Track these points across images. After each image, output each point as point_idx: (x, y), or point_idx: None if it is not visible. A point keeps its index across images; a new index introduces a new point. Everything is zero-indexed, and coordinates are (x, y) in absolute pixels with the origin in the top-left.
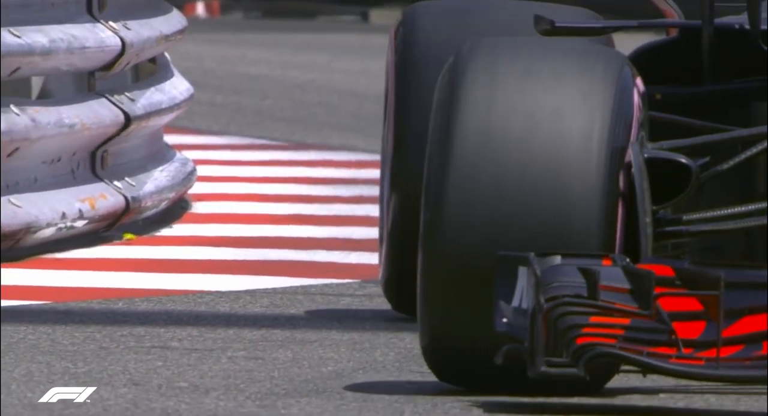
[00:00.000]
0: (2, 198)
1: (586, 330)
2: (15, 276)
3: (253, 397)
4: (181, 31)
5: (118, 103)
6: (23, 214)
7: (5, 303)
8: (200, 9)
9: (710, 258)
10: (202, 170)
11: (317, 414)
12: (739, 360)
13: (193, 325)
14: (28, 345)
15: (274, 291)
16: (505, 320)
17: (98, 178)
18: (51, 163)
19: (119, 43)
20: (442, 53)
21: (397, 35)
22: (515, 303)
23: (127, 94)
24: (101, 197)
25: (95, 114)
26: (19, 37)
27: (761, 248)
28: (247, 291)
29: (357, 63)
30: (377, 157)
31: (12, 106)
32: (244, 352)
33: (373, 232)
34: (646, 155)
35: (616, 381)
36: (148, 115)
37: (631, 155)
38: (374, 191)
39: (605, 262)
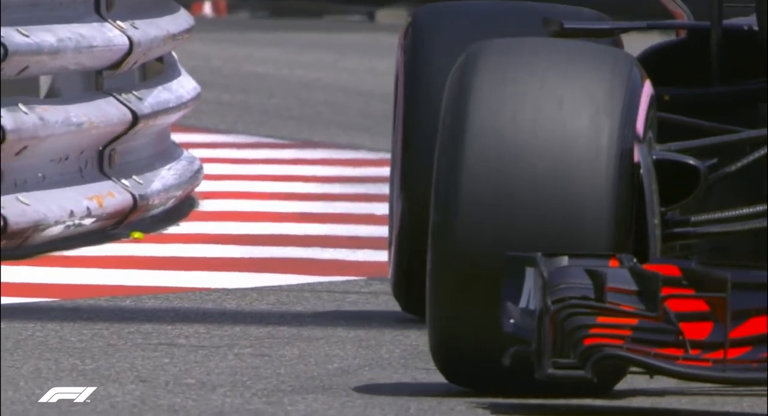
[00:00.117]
0: (11, 196)
1: (593, 330)
2: (24, 273)
3: (259, 394)
4: (188, 31)
5: (125, 102)
6: (32, 212)
7: (14, 300)
8: (207, 8)
9: (718, 258)
10: (209, 168)
11: (323, 411)
12: (746, 361)
13: (200, 322)
14: (37, 342)
15: (281, 288)
16: (512, 321)
17: (106, 176)
18: (59, 161)
19: (127, 42)
20: (451, 54)
21: (406, 37)
22: (522, 304)
23: (134, 92)
24: (109, 195)
25: (103, 112)
26: (27, 36)
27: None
28: (253, 289)
29: (363, 62)
30: (383, 156)
31: (20, 105)
32: (251, 349)
33: (379, 230)
34: (654, 157)
35: (624, 382)
36: (156, 113)
37: (639, 156)
38: (380, 189)
39: (612, 263)
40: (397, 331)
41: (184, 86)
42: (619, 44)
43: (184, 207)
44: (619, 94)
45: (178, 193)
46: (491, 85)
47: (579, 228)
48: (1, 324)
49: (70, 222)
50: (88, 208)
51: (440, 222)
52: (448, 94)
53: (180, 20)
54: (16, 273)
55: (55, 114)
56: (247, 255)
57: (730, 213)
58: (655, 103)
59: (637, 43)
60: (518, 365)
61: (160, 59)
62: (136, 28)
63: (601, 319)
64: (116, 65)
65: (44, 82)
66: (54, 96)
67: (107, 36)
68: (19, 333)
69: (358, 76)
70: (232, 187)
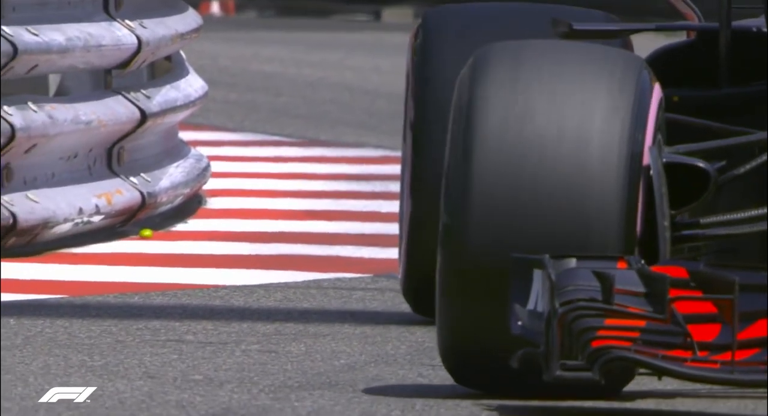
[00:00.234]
0: (20, 193)
1: (601, 332)
2: (33, 270)
3: (266, 390)
4: (196, 30)
5: (134, 101)
6: (41, 210)
7: (23, 296)
8: (215, 7)
9: (726, 260)
10: (216, 166)
11: (330, 407)
12: (754, 363)
13: (208, 319)
14: (46, 338)
15: (288, 285)
16: (520, 323)
17: (114, 174)
18: (68, 159)
19: (135, 41)
20: (461, 56)
21: (416, 38)
22: (530, 306)
23: (142, 91)
24: (117, 193)
25: (111, 111)
26: (36, 35)
27: None
28: (261, 286)
29: (369, 61)
30: (389, 153)
31: (30, 103)
32: (258, 346)
33: (385, 227)
34: (664, 159)
35: (632, 384)
36: (164, 112)
37: (649, 159)
38: (386, 187)
39: (620, 265)
40: (402, 328)
41: (192, 85)
42: (628, 45)
43: (191, 204)
44: (628, 97)
45: (186, 191)
46: (500, 88)
47: (589, 230)
48: (11, 321)
49: (79, 220)
50: (96, 206)
51: (450, 225)
52: (457, 96)
53: (188, 19)
54: (25, 270)
55: (64, 112)
56: (254, 253)
57: (737, 215)
58: (664, 104)
59: (646, 44)
60: (526, 367)
61: (168, 58)
62: (144, 27)
63: (609, 321)
64: (125, 64)
65: (53, 81)
66: (63, 94)
67: (116, 35)
68: (28, 329)
69: (364, 75)
70: (239, 184)
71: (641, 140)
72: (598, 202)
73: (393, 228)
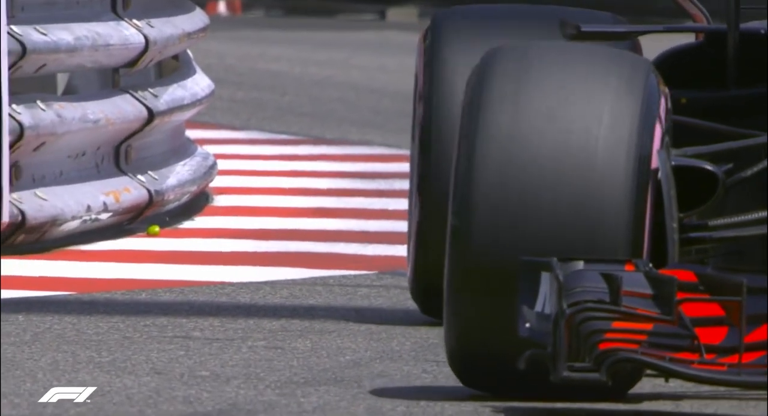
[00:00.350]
0: (29, 191)
1: (608, 335)
2: (41, 267)
3: (272, 386)
4: (203, 29)
5: (141, 99)
6: (49, 207)
7: (32, 293)
8: (222, 7)
9: (733, 262)
10: (223, 164)
11: (335, 403)
12: (761, 366)
13: (215, 316)
14: (54, 334)
15: (294, 282)
16: (528, 325)
17: (122, 172)
18: (76, 157)
19: (143, 40)
20: (469, 57)
21: (426, 39)
22: (538, 308)
23: (150, 90)
24: (125, 190)
25: (119, 109)
26: (45, 34)
27: None
28: (267, 283)
29: (374, 60)
30: (394, 152)
31: (38, 102)
32: (264, 342)
33: (390, 225)
34: (673, 162)
35: (639, 386)
36: (171, 110)
37: (657, 162)
38: (391, 184)
39: (628, 268)
40: (407, 324)
41: (198, 84)
42: (637, 47)
43: (198, 202)
44: (636, 100)
45: (193, 189)
46: (507, 90)
47: (597, 233)
48: (20, 317)
49: (87, 217)
50: (104, 203)
51: (458, 227)
52: (465, 99)
53: (195, 19)
54: (34, 267)
55: (73, 111)
56: (260, 250)
57: (744, 217)
58: (672, 107)
59: (653, 46)
60: (534, 368)
61: (175, 57)
62: (152, 26)
63: (616, 323)
64: (132, 63)
65: (62, 80)
66: (71, 93)
67: (123, 34)
68: (36, 326)
69: (370, 74)
70: (245, 182)
71: (649, 143)
72: (606, 205)
73: (398, 226)
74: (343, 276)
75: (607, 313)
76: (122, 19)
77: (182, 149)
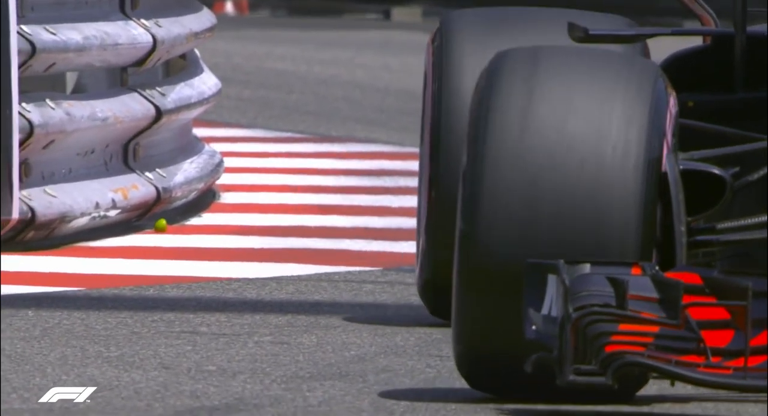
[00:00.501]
0: (38, 188)
1: (615, 338)
2: (50, 263)
3: (278, 380)
4: (210, 29)
5: (149, 98)
6: (58, 204)
7: (41, 289)
8: (229, 7)
9: (739, 265)
10: (229, 162)
11: (340, 397)
12: (766, 369)
13: (222, 311)
14: (63, 330)
15: (299, 278)
16: (534, 328)
17: (130, 170)
18: (85, 154)
19: (151, 40)
20: (478, 60)
21: (435, 42)
22: (545, 311)
23: (158, 88)
24: (133, 188)
25: (127, 108)
26: (54, 34)
27: None
28: (273, 278)
29: (379, 59)
30: (399, 149)
31: (48, 100)
32: (270, 337)
33: (395, 222)
34: (681, 166)
35: (645, 389)
36: (178, 108)
37: (666, 166)
38: (396, 182)
39: (634, 271)
40: (411, 320)
41: (206, 82)
42: (645, 50)
43: (205, 199)
44: (645, 104)
45: (200, 186)
46: (516, 93)
47: (606, 237)
48: (29, 312)
49: (96, 214)
50: (113, 200)
51: (466, 231)
52: (474, 102)
53: (202, 19)
54: (43, 263)
55: (81, 109)
56: (266, 246)
57: (752, 220)
58: (679, 111)
59: (660, 48)
60: (540, 371)
61: (183, 56)
62: (159, 26)
63: (622, 326)
64: (140, 62)
65: (71, 78)
66: (80, 92)
67: (132, 34)
68: (46, 321)
69: (374, 73)
70: (252, 179)
71: (658, 147)
72: (615, 208)
73: (403, 223)
74: (348, 273)
75: (614, 317)
76: (130, 18)
77: (189, 147)
